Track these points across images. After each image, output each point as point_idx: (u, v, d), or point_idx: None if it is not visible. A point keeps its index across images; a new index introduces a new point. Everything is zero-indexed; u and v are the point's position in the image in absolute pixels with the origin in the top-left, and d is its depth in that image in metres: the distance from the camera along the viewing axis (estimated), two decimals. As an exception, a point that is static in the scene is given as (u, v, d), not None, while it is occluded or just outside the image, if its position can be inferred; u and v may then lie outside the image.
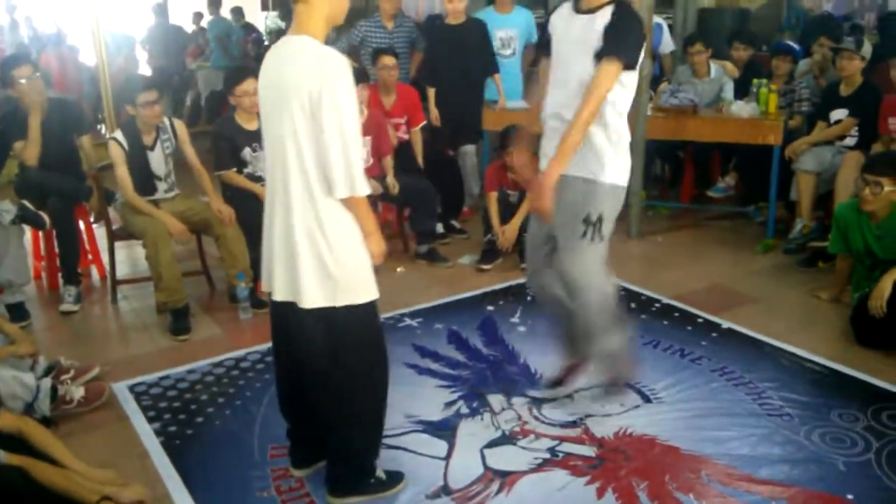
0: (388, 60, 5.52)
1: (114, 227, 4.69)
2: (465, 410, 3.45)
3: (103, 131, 8.08)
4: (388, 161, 5.26)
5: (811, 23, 8.23)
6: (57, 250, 4.80)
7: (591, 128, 3.00)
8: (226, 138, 4.65)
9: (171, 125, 4.58)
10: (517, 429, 3.30)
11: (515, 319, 4.38)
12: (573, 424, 3.32)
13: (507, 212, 5.26)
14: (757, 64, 6.33)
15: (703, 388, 3.59)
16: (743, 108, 5.50)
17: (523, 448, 3.17)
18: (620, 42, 2.92)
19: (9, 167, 5.06)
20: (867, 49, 5.30)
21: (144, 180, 4.45)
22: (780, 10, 9.43)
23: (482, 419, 3.39)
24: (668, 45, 7.04)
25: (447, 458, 3.11)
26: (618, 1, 2.98)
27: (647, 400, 3.51)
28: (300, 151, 2.45)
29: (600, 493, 2.88)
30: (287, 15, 10.89)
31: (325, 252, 2.50)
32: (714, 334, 4.13)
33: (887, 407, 3.39)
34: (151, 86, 4.45)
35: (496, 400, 3.54)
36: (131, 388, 3.70)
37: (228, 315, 4.54)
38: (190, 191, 4.77)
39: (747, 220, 5.98)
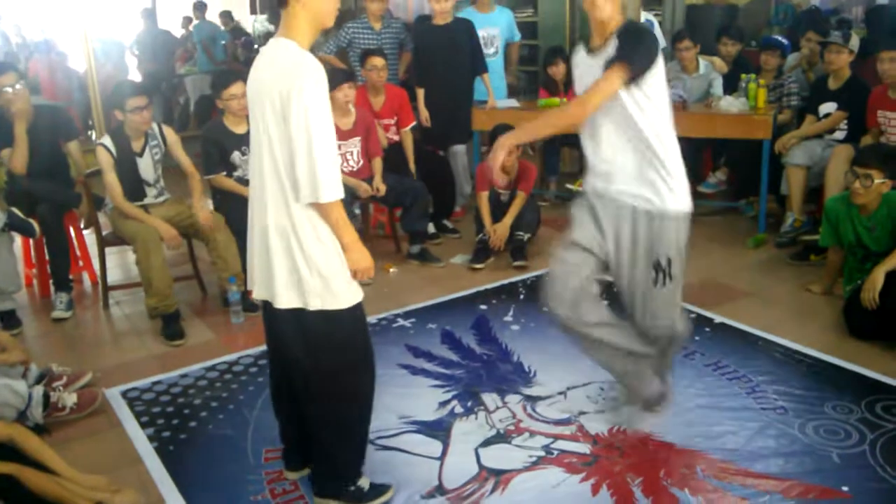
0: (377, 62, 5.51)
1: (104, 233, 4.67)
2: (459, 410, 3.45)
3: (94, 137, 8.07)
4: (377, 162, 5.25)
5: (799, 17, 8.23)
6: (47, 257, 4.78)
7: (644, 166, 2.86)
8: (214, 142, 4.64)
9: (160, 131, 4.57)
10: (511, 427, 3.30)
11: (508, 318, 4.37)
12: (567, 422, 3.32)
13: (499, 211, 5.26)
14: (745, 59, 6.34)
15: (696, 383, 3.59)
16: (732, 104, 5.51)
17: (518, 446, 3.16)
18: (629, 49, 2.72)
19: (-3, 175, 5.05)
20: (855, 43, 5.30)
21: (133, 186, 4.44)
22: (769, 4, 9.43)
23: (476, 418, 3.38)
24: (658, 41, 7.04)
25: (441, 457, 3.11)
26: (623, 26, 2.81)
27: (641, 396, 3.51)
28: (273, 154, 2.45)
29: (595, 489, 2.88)
30: (275, 18, 10.88)
31: (298, 255, 2.48)
32: (707, 329, 4.14)
33: (881, 398, 3.40)
34: (140, 91, 4.44)
35: (490, 399, 3.53)
36: (124, 394, 3.69)
37: (220, 319, 4.53)
38: (180, 195, 4.76)
39: (738, 215, 5.99)
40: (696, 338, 4.03)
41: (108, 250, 4.70)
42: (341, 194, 2.44)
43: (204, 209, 4.47)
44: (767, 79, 5.78)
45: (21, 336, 4.38)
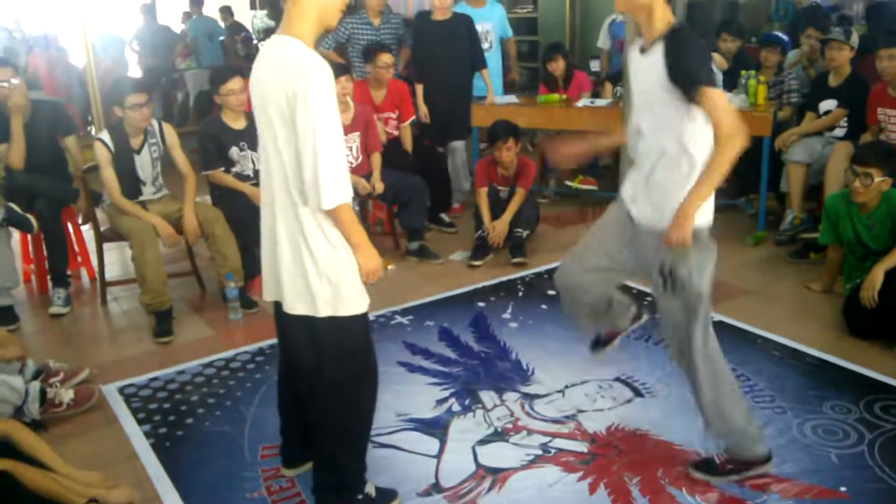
0: (387, 58, 5.49)
1: (102, 229, 4.66)
2: (456, 408, 3.44)
3: (93, 133, 8.05)
4: (376, 158, 5.24)
5: (800, 14, 8.21)
6: (45, 253, 4.77)
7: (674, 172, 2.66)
8: (212, 138, 4.63)
9: (160, 128, 4.55)
10: (509, 425, 3.29)
11: (507, 315, 4.36)
12: (565, 420, 3.31)
13: (497, 207, 5.25)
14: (745, 56, 6.32)
15: (695, 382, 3.58)
16: (732, 101, 5.49)
17: (515, 444, 3.15)
18: (691, 66, 2.52)
19: (-5, 171, 5.04)
20: (855, 39, 5.29)
21: (131, 183, 4.43)
22: (769, 0, 9.42)
23: (474, 416, 3.37)
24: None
25: (439, 455, 3.10)
26: (671, 30, 2.59)
27: (639, 394, 3.50)
28: (279, 155, 2.39)
29: (592, 488, 2.87)
30: (275, 14, 10.86)
31: (308, 262, 2.43)
32: (706, 327, 4.12)
33: (880, 398, 3.39)
34: (140, 88, 4.41)
35: (488, 397, 3.52)
36: (121, 391, 3.68)
37: (218, 315, 4.52)
38: (178, 192, 4.75)
39: (738, 213, 5.97)
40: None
41: (105, 246, 4.69)
42: (349, 197, 2.38)
43: (191, 217, 4.43)
44: (767, 75, 5.76)
45: (18, 331, 4.38)
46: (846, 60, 5.23)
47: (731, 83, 5.87)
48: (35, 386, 3.39)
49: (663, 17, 2.61)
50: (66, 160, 4.96)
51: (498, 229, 5.15)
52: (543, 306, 4.44)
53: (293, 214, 2.42)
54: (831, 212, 4.25)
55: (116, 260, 5.33)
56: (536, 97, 6.37)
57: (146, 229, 4.26)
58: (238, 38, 10.75)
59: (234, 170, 4.66)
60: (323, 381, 2.57)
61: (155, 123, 4.51)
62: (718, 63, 6.21)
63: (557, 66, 6.39)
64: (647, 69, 2.64)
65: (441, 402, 3.49)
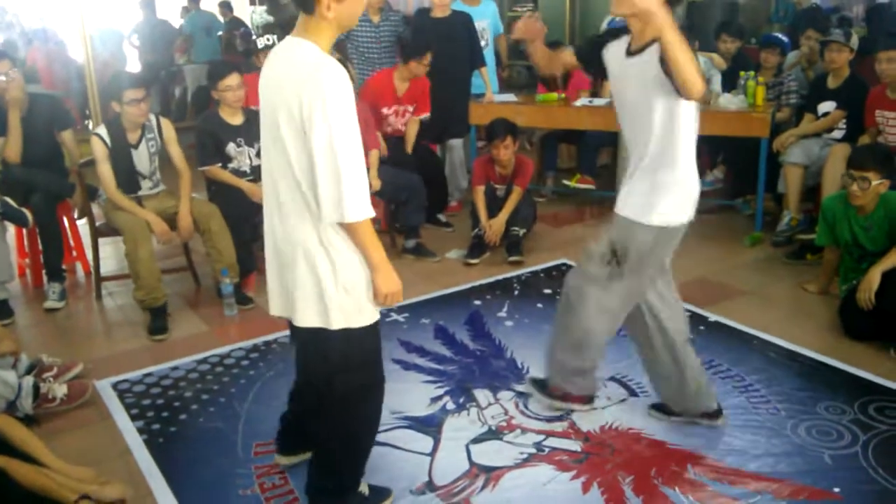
0: (430, 58, 5.49)
1: (98, 224, 4.65)
2: (451, 406, 3.43)
3: (91, 127, 8.03)
4: (374, 156, 5.22)
5: (799, 15, 8.22)
6: (40, 247, 4.76)
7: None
8: (209, 133, 4.62)
9: (158, 123, 4.53)
10: (503, 423, 3.29)
11: (502, 314, 4.36)
12: (559, 419, 3.31)
13: (494, 206, 5.24)
14: (745, 56, 6.31)
15: (690, 382, 3.57)
16: (731, 101, 5.49)
17: (509, 443, 3.15)
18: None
19: (-9, 164, 5.03)
20: (855, 41, 5.28)
21: (128, 178, 4.42)
22: (769, 1, 9.43)
23: (468, 414, 3.37)
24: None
25: (433, 453, 3.09)
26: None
27: (634, 394, 3.50)
28: (291, 166, 2.27)
29: (586, 487, 2.86)
30: (274, 9, 10.83)
31: (325, 271, 2.32)
32: (702, 327, 4.12)
33: (874, 399, 3.39)
34: (138, 83, 4.39)
35: (482, 395, 3.52)
36: (114, 386, 3.67)
37: (213, 311, 4.51)
38: (175, 188, 4.73)
39: (735, 213, 5.97)
40: (691, 336, 4.01)
41: (101, 241, 4.68)
42: (371, 213, 2.28)
43: (186, 215, 4.41)
44: (767, 77, 5.76)
45: (13, 326, 4.37)
46: (845, 62, 5.22)
47: (730, 84, 5.86)
48: (28, 381, 3.39)
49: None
50: (63, 154, 4.95)
51: (495, 228, 5.14)
52: (539, 305, 4.44)
53: (311, 225, 2.31)
54: (828, 213, 4.25)
55: (111, 255, 5.32)
56: (535, 96, 6.36)
57: (140, 225, 4.25)
58: (237, 34, 10.73)
59: (230, 165, 4.65)
60: (335, 393, 2.49)
61: (153, 118, 4.49)
62: (717, 63, 6.22)
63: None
64: (638, 68, 2.74)
65: (435, 399, 3.49)
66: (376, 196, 5.37)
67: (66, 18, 10.62)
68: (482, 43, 6.23)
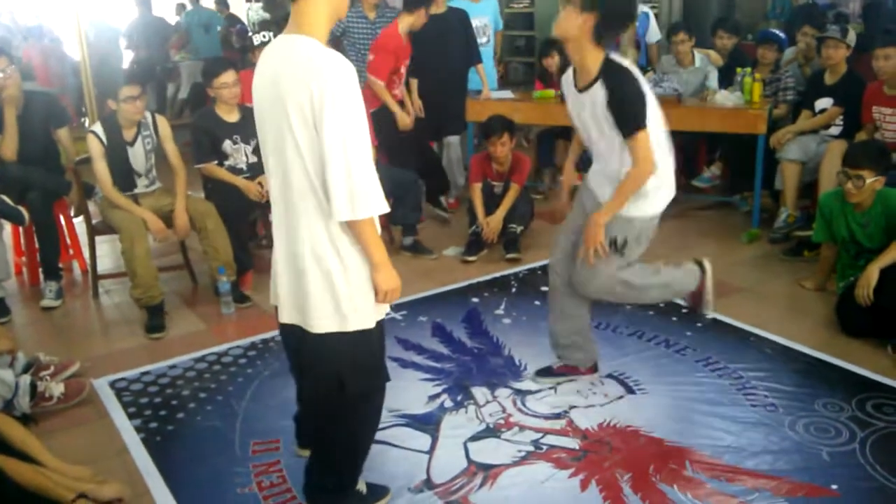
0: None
1: (94, 222, 4.64)
2: (449, 404, 3.43)
3: (87, 124, 8.02)
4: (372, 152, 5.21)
5: (796, 11, 8.21)
6: (37, 245, 4.75)
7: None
8: (206, 131, 4.60)
9: (154, 121, 4.52)
10: (501, 421, 3.29)
11: (500, 311, 4.36)
12: (557, 416, 3.31)
13: (492, 203, 5.24)
14: (741, 52, 6.31)
15: (687, 379, 3.58)
16: (727, 98, 5.49)
17: (507, 441, 3.15)
18: (628, 113, 2.94)
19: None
20: (851, 38, 5.28)
21: (124, 175, 4.41)
22: (765, -2, 9.43)
23: (466, 412, 3.37)
24: (654, 34, 7.02)
25: (430, 451, 3.09)
26: (602, 71, 2.96)
27: (632, 391, 3.50)
28: (304, 166, 2.23)
29: (584, 485, 2.86)
30: (270, 6, 10.81)
31: (337, 273, 2.30)
32: (699, 324, 4.12)
33: (872, 396, 3.39)
34: (134, 81, 4.38)
35: (480, 393, 3.52)
36: (112, 384, 3.67)
37: (211, 309, 4.50)
38: (171, 185, 4.72)
39: (732, 210, 5.97)
40: (688, 333, 4.02)
41: (98, 239, 4.66)
42: (386, 208, 2.27)
43: (182, 214, 4.40)
44: (764, 73, 5.75)
45: (9, 324, 4.36)
46: (842, 59, 5.22)
47: (726, 80, 5.86)
48: (25, 379, 3.38)
49: (596, 58, 2.97)
50: (59, 152, 4.94)
51: (492, 225, 5.14)
52: (537, 302, 4.43)
53: (323, 226, 2.29)
54: (825, 210, 4.25)
55: (108, 253, 5.30)
56: (532, 92, 6.36)
57: (136, 223, 4.24)
58: (233, 31, 10.71)
59: (227, 163, 4.64)
60: (342, 395, 2.46)
61: (148, 115, 4.49)
62: (714, 60, 6.22)
63: (553, 62, 6.38)
64: (588, 104, 3.04)
65: (433, 397, 3.49)
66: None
67: (61, 15, 10.58)
68: (483, 39, 6.23)
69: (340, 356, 2.43)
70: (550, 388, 3.53)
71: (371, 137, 5.22)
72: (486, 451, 3.08)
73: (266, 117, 2.33)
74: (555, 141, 6.72)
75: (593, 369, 3.62)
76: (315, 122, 2.16)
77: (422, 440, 3.17)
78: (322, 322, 2.37)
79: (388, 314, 2.55)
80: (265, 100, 2.32)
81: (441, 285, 4.75)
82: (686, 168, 6.30)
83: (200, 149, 4.60)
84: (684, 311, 4.26)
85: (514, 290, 4.66)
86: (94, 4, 9.41)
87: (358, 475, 2.73)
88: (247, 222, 4.89)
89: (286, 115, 2.20)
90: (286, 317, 2.48)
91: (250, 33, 10.85)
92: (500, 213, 5.16)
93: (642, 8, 6.90)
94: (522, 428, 3.23)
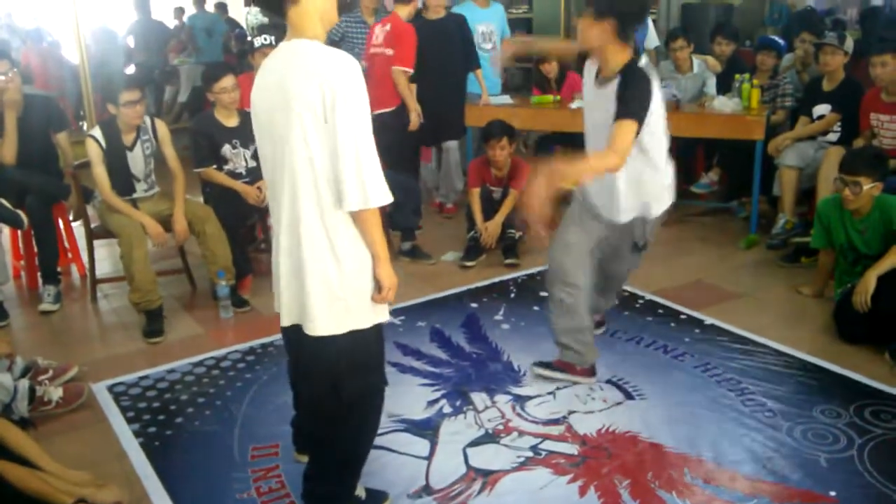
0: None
1: (93, 226, 4.64)
2: (447, 409, 3.43)
3: (85, 128, 8.02)
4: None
5: (794, 18, 8.24)
6: (35, 249, 4.75)
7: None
8: (205, 135, 4.61)
9: (153, 125, 4.52)
10: (500, 427, 3.29)
11: (499, 317, 4.36)
12: (556, 422, 3.31)
13: (490, 208, 5.24)
14: (739, 59, 6.33)
15: (685, 385, 3.58)
16: (725, 104, 5.50)
17: (506, 446, 3.15)
18: (630, 102, 3.03)
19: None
20: (849, 44, 5.29)
21: (123, 180, 4.41)
22: (763, 4, 9.45)
23: (465, 417, 3.37)
24: (653, 40, 7.04)
25: (429, 457, 3.09)
26: (627, 66, 3.10)
27: (630, 397, 3.50)
28: (312, 161, 2.25)
29: (583, 491, 2.87)
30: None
31: (333, 270, 2.32)
32: (697, 330, 4.13)
33: (870, 403, 3.39)
34: (134, 85, 4.38)
35: (479, 398, 3.52)
36: (110, 389, 3.66)
37: (209, 314, 4.51)
38: (170, 190, 4.72)
39: (730, 216, 5.98)
40: (686, 339, 4.03)
41: (96, 243, 4.67)
42: (390, 198, 2.30)
43: (181, 219, 4.40)
44: (763, 79, 5.77)
45: (8, 328, 4.37)
46: (840, 65, 5.23)
47: (725, 86, 5.88)
48: (24, 383, 3.38)
49: (620, 60, 3.11)
50: (58, 156, 4.94)
51: (490, 230, 5.14)
52: (535, 308, 4.44)
53: (321, 221, 2.31)
54: (823, 216, 4.26)
55: (107, 257, 5.31)
56: (530, 98, 6.36)
57: (135, 227, 4.24)
58: (232, 35, 10.73)
59: (226, 167, 4.65)
60: (341, 399, 2.47)
61: (147, 120, 4.49)
62: (712, 66, 6.23)
63: (551, 68, 6.38)
64: (603, 101, 3.12)
65: (432, 403, 3.49)
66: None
67: (60, 18, 10.58)
68: (489, 46, 6.23)
69: (338, 357, 2.43)
70: (549, 394, 3.53)
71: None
72: (485, 457, 3.08)
73: (270, 119, 2.34)
74: (554, 147, 6.73)
75: (591, 372, 3.63)
76: (326, 117, 2.21)
77: (420, 445, 3.17)
78: (319, 324, 2.38)
79: (392, 314, 2.56)
80: (269, 105, 2.33)
81: (440, 290, 4.75)
82: (684, 174, 6.32)
83: (199, 153, 4.61)
84: (682, 317, 4.27)
85: (512, 295, 4.67)
86: (92, 8, 9.41)
87: (357, 480, 2.72)
88: (246, 226, 4.88)
89: (297, 115, 2.23)
90: (287, 319, 2.49)
91: (249, 38, 10.91)
92: (499, 218, 5.16)
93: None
94: (521, 433, 3.24)
